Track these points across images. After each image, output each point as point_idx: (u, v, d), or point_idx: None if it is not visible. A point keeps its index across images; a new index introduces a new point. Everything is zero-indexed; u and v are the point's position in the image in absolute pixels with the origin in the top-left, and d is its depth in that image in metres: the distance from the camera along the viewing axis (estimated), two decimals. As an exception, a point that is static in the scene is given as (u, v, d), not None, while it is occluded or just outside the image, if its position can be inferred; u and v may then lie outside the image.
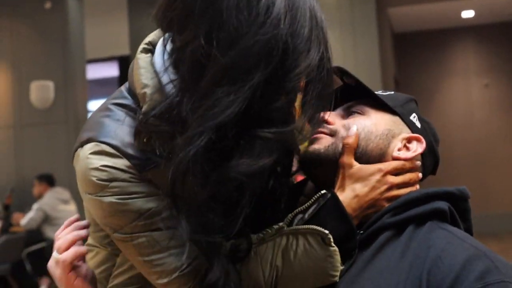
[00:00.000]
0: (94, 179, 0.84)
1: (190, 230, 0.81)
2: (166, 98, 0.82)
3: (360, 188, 0.92)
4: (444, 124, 8.39)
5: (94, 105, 8.10)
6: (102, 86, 9.89)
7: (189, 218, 0.81)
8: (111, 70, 9.54)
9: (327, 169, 0.95)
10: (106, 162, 0.84)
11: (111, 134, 0.86)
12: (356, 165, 0.93)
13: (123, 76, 7.95)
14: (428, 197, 0.92)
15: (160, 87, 0.84)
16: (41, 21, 6.95)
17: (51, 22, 6.92)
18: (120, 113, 0.88)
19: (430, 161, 1.02)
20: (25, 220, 5.78)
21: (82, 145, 0.87)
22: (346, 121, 0.98)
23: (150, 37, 0.91)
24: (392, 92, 1.04)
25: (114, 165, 0.84)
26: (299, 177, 1.04)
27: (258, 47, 0.75)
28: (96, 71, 9.62)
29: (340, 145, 0.95)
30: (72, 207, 5.92)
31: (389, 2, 7.14)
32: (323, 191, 0.90)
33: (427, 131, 1.01)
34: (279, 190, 0.92)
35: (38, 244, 5.79)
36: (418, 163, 0.98)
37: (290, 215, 0.91)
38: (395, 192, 0.93)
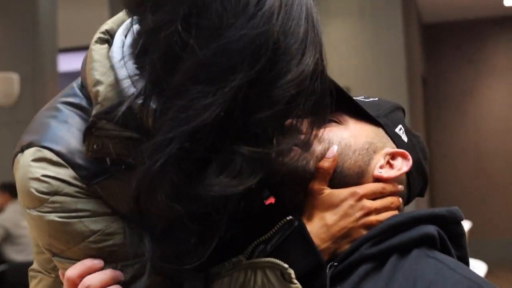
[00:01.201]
0: (33, 190, 0.84)
1: (156, 255, 0.83)
2: (124, 97, 0.82)
3: (330, 216, 0.92)
4: (480, 130, 8.37)
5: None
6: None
7: (154, 240, 0.83)
8: (87, 62, 9.49)
9: (294, 189, 0.95)
10: (48, 171, 0.84)
11: (56, 138, 0.86)
12: (327, 190, 0.93)
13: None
14: (414, 221, 0.92)
15: (116, 84, 0.83)
16: (5, 3, 6.92)
17: (17, 5, 6.89)
18: (68, 114, 0.89)
19: (417, 181, 1.02)
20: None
21: (22, 149, 0.87)
22: (320, 132, 0.96)
23: (107, 25, 0.91)
24: (376, 99, 1.03)
25: (56, 175, 0.84)
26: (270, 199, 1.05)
27: (244, 42, 0.74)
28: (69, 63, 9.59)
29: (312, 162, 0.94)
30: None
31: (417, -14, 7.12)
32: (289, 218, 0.91)
33: (415, 146, 1.01)
34: (247, 213, 0.93)
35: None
36: (401, 187, 0.98)
37: (251, 245, 0.91)
38: (374, 218, 0.93)
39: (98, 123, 0.82)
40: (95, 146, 0.84)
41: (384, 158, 0.96)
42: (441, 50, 8.72)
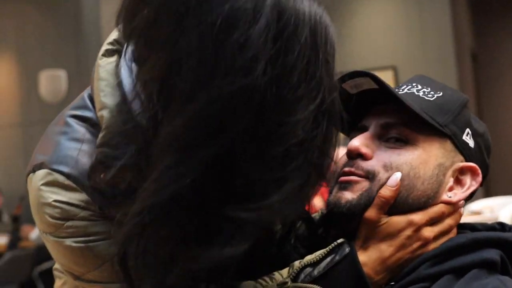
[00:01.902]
0: (47, 216, 0.81)
1: None
2: (130, 119, 0.76)
3: (386, 248, 0.87)
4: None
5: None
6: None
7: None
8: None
9: (355, 221, 0.90)
10: (60, 196, 0.81)
11: (67, 159, 0.81)
12: (384, 219, 0.88)
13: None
14: (476, 244, 0.88)
15: (123, 104, 0.78)
16: (50, 2, 7.04)
17: (62, 3, 7.00)
18: (79, 130, 0.84)
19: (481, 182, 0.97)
20: (36, 233, 5.81)
21: (34, 170, 0.83)
22: (387, 158, 0.90)
23: (116, 34, 0.84)
24: (441, 94, 0.94)
25: (69, 200, 0.81)
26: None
27: (222, 103, 0.67)
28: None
29: (375, 190, 0.88)
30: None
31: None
32: (340, 240, 0.87)
33: (480, 148, 0.96)
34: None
35: (51, 261, 5.81)
36: (461, 203, 0.93)
37: (297, 264, 0.86)
38: (432, 247, 0.89)
39: (103, 152, 0.78)
40: (102, 175, 0.78)
41: (453, 176, 0.92)
42: (492, 25, 8.45)
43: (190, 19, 0.67)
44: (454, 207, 0.91)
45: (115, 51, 0.83)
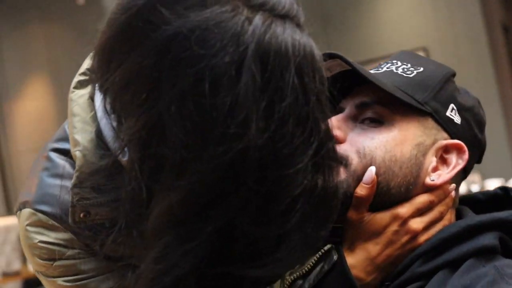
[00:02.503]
0: (35, 257, 0.80)
1: None
2: (105, 156, 0.72)
3: (373, 247, 0.83)
4: None
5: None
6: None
7: None
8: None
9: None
10: (45, 237, 0.79)
11: (49, 198, 0.79)
12: (367, 217, 0.83)
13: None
14: (470, 231, 0.81)
15: (97, 139, 0.74)
16: (76, 19, 7.10)
17: (89, 22, 7.06)
18: (60, 164, 0.80)
19: (474, 158, 0.91)
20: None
21: (20, 208, 0.82)
22: (360, 140, 0.84)
23: (88, 63, 0.80)
24: (421, 69, 0.88)
25: (54, 240, 0.79)
26: None
27: (219, 172, 0.61)
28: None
29: (352, 181, 0.83)
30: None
31: None
32: (327, 247, 0.84)
33: (469, 123, 0.89)
34: None
35: None
36: (452, 186, 0.86)
37: (288, 277, 0.84)
38: (422, 238, 0.84)
39: (79, 193, 0.74)
40: (82, 215, 0.76)
41: (436, 156, 0.86)
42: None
43: (164, 83, 0.61)
44: (444, 192, 0.85)
45: (89, 80, 0.79)
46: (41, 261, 0.80)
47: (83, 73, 0.80)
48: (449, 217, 0.87)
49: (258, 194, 0.63)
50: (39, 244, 0.79)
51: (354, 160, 0.84)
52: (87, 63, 0.81)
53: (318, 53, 0.67)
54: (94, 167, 0.73)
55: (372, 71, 0.90)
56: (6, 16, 7.95)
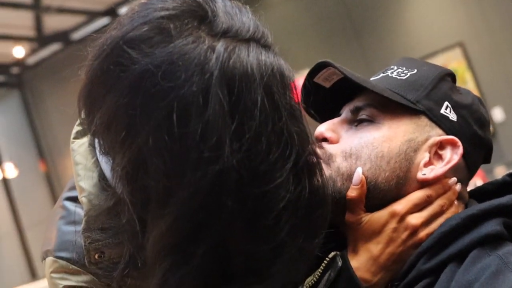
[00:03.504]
0: None
1: None
2: (112, 202, 0.74)
3: (374, 246, 0.84)
4: None
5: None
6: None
7: None
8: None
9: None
10: (68, 281, 0.82)
11: (67, 244, 0.82)
12: (365, 218, 0.84)
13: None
14: (473, 221, 0.80)
15: (101, 181, 0.77)
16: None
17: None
18: (74, 211, 0.84)
19: (477, 154, 0.91)
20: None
21: (43, 257, 0.85)
22: (348, 143, 0.86)
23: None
24: (415, 71, 0.90)
25: (77, 284, 0.82)
26: None
27: (200, 196, 0.64)
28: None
29: (339, 181, 0.85)
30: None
31: None
32: (332, 254, 0.84)
33: (466, 120, 0.89)
34: None
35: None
36: (453, 179, 0.86)
37: None
38: (424, 233, 0.83)
39: (90, 236, 0.78)
40: (96, 257, 0.79)
41: (430, 152, 0.86)
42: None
43: (139, 119, 0.64)
44: (443, 186, 0.85)
45: (86, 129, 0.82)
46: None
47: (80, 124, 0.84)
48: (456, 211, 0.86)
49: (242, 213, 0.65)
50: None
51: (338, 159, 0.85)
52: (83, 114, 0.84)
53: (288, 69, 0.70)
54: (100, 209, 0.77)
55: (372, 79, 0.93)
56: (47, 75, 8.23)
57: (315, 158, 0.72)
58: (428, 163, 0.85)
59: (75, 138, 0.84)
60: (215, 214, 0.64)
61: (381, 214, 0.84)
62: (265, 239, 0.67)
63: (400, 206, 0.84)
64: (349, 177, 0.84)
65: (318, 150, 0.82)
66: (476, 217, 0.80)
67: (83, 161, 0.81)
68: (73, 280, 0.82)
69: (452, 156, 0.85)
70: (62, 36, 7.95)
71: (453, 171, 0.86)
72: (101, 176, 0.78)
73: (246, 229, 0.66)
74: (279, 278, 0.70)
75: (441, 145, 0.86)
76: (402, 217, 0.83)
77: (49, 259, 0.83)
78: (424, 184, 0.85)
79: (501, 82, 6.07)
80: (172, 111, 0.63)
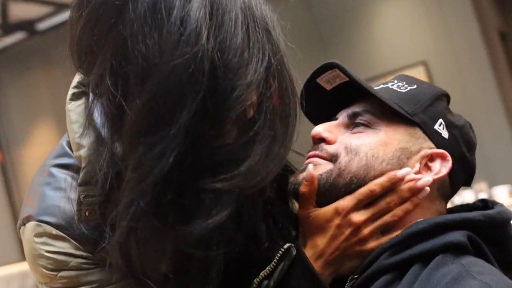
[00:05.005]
0: (41, 268, 0.83)
1: None
2: (107, 156, 0.78)
3: (320, 240, 0.87)
4: None
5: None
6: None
7: None
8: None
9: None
10: (51, 247, 0.83)
11: (53, 209, 0.83)
12: (312, 212, 0.88)
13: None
14: (439, 228, 0.84)
15: (99, 141, 0.80)
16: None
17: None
18: (61, 177, 0.86)
19: (461, 176, 0.95)
20: None
21: (23, 223, 0.85)
22: (348, 140, 0.91)
23: (79, 77, 0.88)
24: (415, 87, 0.95)
25: (59, 250, 0.83)
26: None
27: (176, 75, 0.69)
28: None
29: (338, 173, 0.89)
30: None
31: None
32: (287, 246, 0.87)
33: (457, 140, 0.94)
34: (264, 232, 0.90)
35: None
36: (404, 170, 0.88)
37: (255, 280, 0.87)
38: (368, 229, 0.86)
39: (85, 190, 0.80)
40: (87, 213, 0.81)
41: (421, 162, 0.90)
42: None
43: (126, 7, 0.72)
44: (390, 180, 0.87)
45: (82, 93, 0.86)
46: (46, 271, 0.83)
47: (76, 86, 0.87)
48: (411, 208, 0.88)
49: (214, 99, 0.70)
50: (45, 254, 0.83)
51: (342, 155, 0.90)
52: (77, 77, 0.87)
53: (266, 5, 0.79)
54: (99, 166, 0.78)
55: None
56: (8, 64, 8.09)
57: (285, 69, 0.78)
58: (417, 173, 0.89)
59: (71, 99, 0.86)
60: (189, 96, 0.69)
61: (327, 210, 0.88)
62: (233, 134, 0.73)
63: (344, 202, 0.87)
64: (344, 170, 0.89)
65: (318, 152, 0.89)
66: (443, 226, 0.84)
67: (80, 120, 0.83)
68: (55, 246, 0.82)
69: (441, 168, 0.90)
70: (27, 26, 7.83)
71: (438, 185, 0.90)
72: (96, 132, 0.81)
73: (215, 119, 0.71)
74: (245, 179, 0.74)
75: (431, 158, 0.91)
76: (347, 214, 0.86)
77: (31, 223, 0.84)
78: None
79: (460, 102, 6.22)
80: (157, 1, 0.71)
